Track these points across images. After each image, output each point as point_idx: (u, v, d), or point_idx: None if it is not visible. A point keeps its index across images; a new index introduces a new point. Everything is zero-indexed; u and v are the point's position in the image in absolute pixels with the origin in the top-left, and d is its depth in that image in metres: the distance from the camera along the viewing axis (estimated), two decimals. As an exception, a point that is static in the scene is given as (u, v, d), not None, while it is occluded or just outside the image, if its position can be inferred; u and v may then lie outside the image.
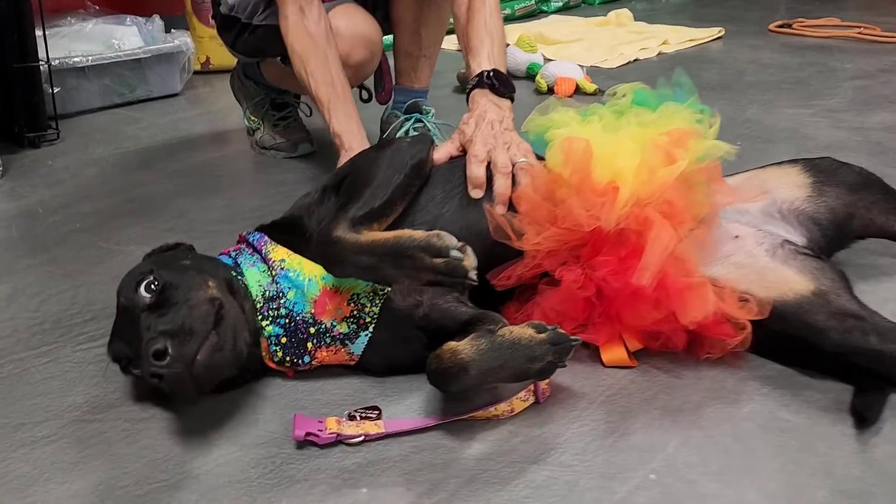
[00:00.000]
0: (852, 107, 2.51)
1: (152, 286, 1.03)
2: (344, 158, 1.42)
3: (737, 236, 1.25)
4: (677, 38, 3.54)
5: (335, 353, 1.11)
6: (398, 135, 1.90)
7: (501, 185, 1.17)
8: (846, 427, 1.01)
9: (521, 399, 1.04)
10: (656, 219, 1.08)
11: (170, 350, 0.92)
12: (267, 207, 1.81)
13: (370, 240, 1.03)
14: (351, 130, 1.48)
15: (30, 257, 1.59)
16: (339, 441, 1.01)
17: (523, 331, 0.98)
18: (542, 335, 0.97)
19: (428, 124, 1.92)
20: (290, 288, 1.10)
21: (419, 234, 1.01)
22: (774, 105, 2.54)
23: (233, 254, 1.17)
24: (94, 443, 1.03)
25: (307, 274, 1.10)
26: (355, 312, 1.09)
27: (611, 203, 1.08)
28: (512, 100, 1.41)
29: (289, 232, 1.16)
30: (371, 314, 1.09)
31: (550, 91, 2.67)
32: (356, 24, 1.72)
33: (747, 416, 1.04)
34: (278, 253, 1.13)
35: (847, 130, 2.26)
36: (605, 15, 3.97)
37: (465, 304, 1.13)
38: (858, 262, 1.39)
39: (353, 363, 1.13)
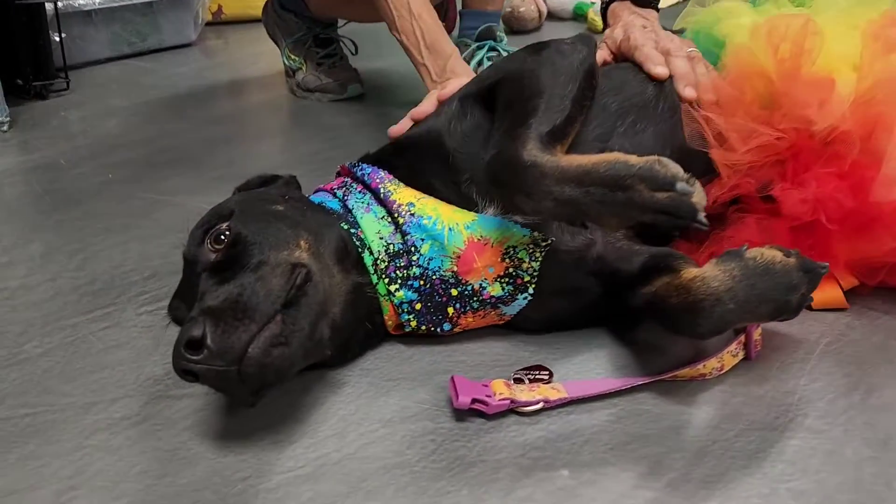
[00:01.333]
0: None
1: (222, 237, 0.79)
2: (443, 87, 1.14)
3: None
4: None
5: (483, 318, 0.89)
6: (471, 67, 1.65)
7: (681, 65, 0.95)
8: None
9: (731, 354, 0.82)
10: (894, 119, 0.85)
11: (209, 340, 0.67)
12: (325, 152, 1.57)
13: (575, 165, 0.77)
14: (447, 52, 1.23)
15: (60, 212, 1.34)
16: (512, 410, 0.78)
17: (773, 253, 0.75)
18: (792, 259, 0.75)
19: (502, 52, 1.67)
20: (423, 240, 0.85)
21: (635, 159, 0.75)
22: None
23: (339, 193, 0.92)
24: (190, 423, 0.80)
25: (446, 221, 0.85)
26: (511, 270, 0.85)
27: (827, 99, 0.86)
28: (657, 10, 1.17)
29: (416, 155, 0.91)
30: (531, 271, 0.85)
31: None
32: None
33: None
34: (404, 194, 0.87)
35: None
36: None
37: (638, 242, 0.90)
38: None
39: (502, 322, 0.90)
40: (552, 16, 2.71)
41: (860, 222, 0.86)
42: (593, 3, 2.59)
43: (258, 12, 3.03)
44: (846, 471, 0.69)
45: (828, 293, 0.91)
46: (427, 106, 1.05)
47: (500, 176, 0.81)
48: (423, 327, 0.88)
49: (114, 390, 0.86)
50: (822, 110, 0.85)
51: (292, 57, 1.88)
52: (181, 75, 2.25)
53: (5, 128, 1.75)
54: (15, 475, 0.74)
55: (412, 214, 0.85)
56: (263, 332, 0.70)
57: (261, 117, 1.87)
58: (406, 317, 0.87)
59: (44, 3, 1.96)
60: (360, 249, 0.86)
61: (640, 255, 0.87)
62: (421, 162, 0.90)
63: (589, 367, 0.85)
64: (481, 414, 0.78)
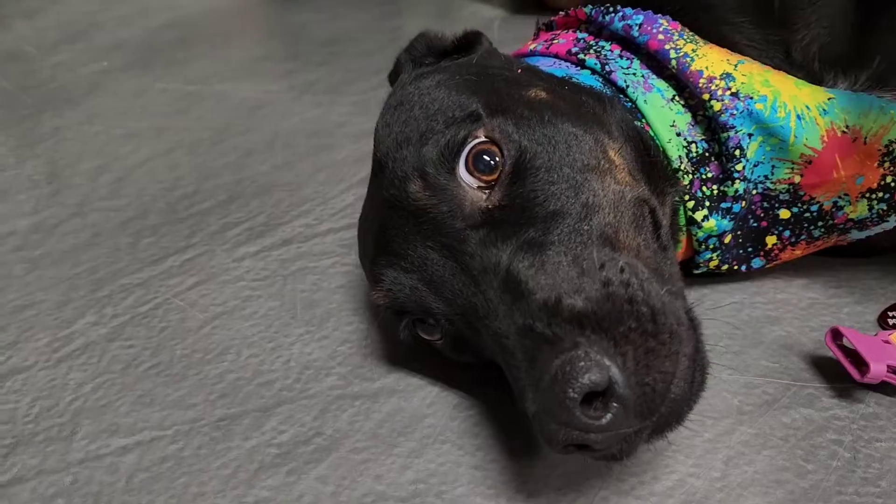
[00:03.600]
0: None
1: (486, 158, 0.44)
2: None
3: None
4: None
5: (816, 247, 0.57)
6: None
7: None
8: None
9: None
10: None
11: (619, 386, 0.35)
12: (386, 18, 1.19)
13: None
14: None
15: (51, 115, 0.95)
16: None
17: None
18: None
19: None
20: (752, 136, 0.52)
21: None
22: None
23: (588, 60, 0.56)
24: (421, 445, 0.48)
25: (790, 103, 0.52)
26: (891, 179, 0.53)
27: None
28: None
29: None
30: None
31: None
32: None
33: None
34: (712, 59, 0.53)
35: None
36: None
37: None
38: None
39: (844, 243, 0.59)
40: None
41: None
42: None
43: None
44: None
45: None
46: None
47: None
48: (725, 266, 0.57)
49: (258, 392, 0.53)
50: None
51: None
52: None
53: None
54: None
55: (734, 94, 0.52)
56: (684, 348, 0.38)
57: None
58: (707, 255, 0.55)
59: None
60: (662, 153, 0.52)
61: None
62: (717, 4, 0.55)
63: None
64: (871, 387, 0.49)
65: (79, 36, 1.19)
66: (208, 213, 0.73)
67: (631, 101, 0.54)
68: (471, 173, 0.45)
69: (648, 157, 0.51)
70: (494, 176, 0.44)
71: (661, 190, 0.51)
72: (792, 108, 0.52)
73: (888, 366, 0.48)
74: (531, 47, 0.61)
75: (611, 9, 0.57)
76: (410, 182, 0.46)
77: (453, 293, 0.45)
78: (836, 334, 0.50)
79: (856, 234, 0.57)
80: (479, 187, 0.45)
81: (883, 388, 0.49)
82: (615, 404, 0.36)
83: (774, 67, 0.54)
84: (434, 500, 0.45)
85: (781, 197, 0.54)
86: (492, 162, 0.44)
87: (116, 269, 0.66)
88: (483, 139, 0.45)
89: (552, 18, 0.63)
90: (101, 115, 0.94)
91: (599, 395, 0.36)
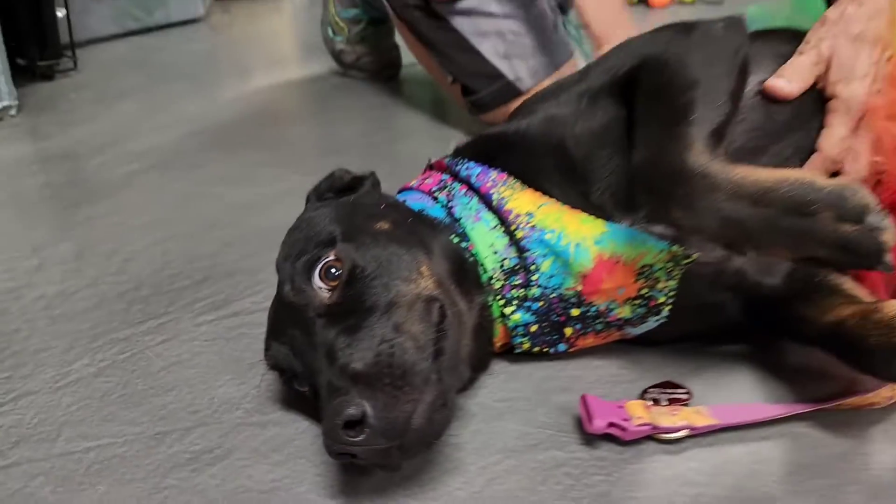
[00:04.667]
0: None
1: (333, 271, 0.67)
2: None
3: None
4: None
5: (604, 338, 0.78)
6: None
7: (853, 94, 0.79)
8: None
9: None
10: None
11: (370, 418, 0.57)
12: (373, 134, 1.47)
13: (753, 179, 0.64)
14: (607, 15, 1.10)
15: (88, 206, 1.23)
16: (652, 436, 0.69)
17: None
18: None
19: (569, 27, 1.54)
20: (545, 256, 0.74)
21: (823, 180, 0.62)
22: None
23: (440, 196, 0.79)
24: (284, 458, 0.70)
25: (572, 235, 0.73)
26: (645, 291, 0.74)
27: None
28: None
29: (526, 155, 0.78)
30: (667, 291, 0.74)
31: (643, 1, 2.32)
32: None
33: None
34: (521, 202, 0.75)
35: None
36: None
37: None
38: None
39: (623, 337, 0.80)
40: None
41: None
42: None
43: (266, -14, 2.87)
44: None
45: None
46: None
47: (657, 183, 0.68)
48: (537, 348, 0.78)
49: (186, 417, 0.75)
50: None
51: (338, 23, 1.71)
52: (193, 53, 2.12)
53: (13, 112, 1.62)
54: (88, 525, 0.64)
55: (532, 227, 0.74)
56: (424, 396, 0.59)
57: (289, 96, 1.74)
58: (519, 339, 0.77)
59: (48, -24, 1.82)
60: (475, 266, 0.75)
61: (784, 267, 0.76)
62: (537, 165, 0.77)
63: (727, 388, 0.76)
64: (613, 439, 0.69)
65: (119, 141, 1.48)
66: (185, 289, 0.97)
67: (464, 228, 0.77)
68: (322, 280, 0.67)
69: (462, 269, 0.74)
70: (336, 282, 0.67)
71: (469, 291, 0.73)
72: (573, 238, 0.74)
73: (609, 422, 0.68)
74: (412, 183, 0.85)
75: (462, 161, 0.81)
76: (285, 285, 0.69)
77: (306, 360, 0.67)
78: (583, 399, 0.70)
79: (631, 330, 0.77)
80: (327, 290, 0.67)
81: (624, 441, 0.69)
82: (367, 429, 0.57)
83: (576, 207, 0.76)
84: (283, 494, 0.66)
85: (571, 300, 0.75)
86: (335, 272, 0.67)
87: (110, 327, 0.91)
88: (332, 258, 0.68)
89: (433, 161, 0.87)
90: (123, 209, 1.21)
91: (359, 424, 0.57)
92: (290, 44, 2.31)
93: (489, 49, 1.25)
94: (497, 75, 1.25)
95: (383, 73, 1.74)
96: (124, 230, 1.14)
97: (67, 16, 1.90)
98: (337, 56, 1.75)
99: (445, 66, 1.31)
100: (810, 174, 0.63)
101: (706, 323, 0.78)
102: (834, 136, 0.79)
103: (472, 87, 1.28)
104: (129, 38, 2.24)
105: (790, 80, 0.81)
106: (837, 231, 0.61)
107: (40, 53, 1.85)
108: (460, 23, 1.26)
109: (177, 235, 1.11)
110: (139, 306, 0.94)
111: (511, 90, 1.24)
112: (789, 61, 0.82)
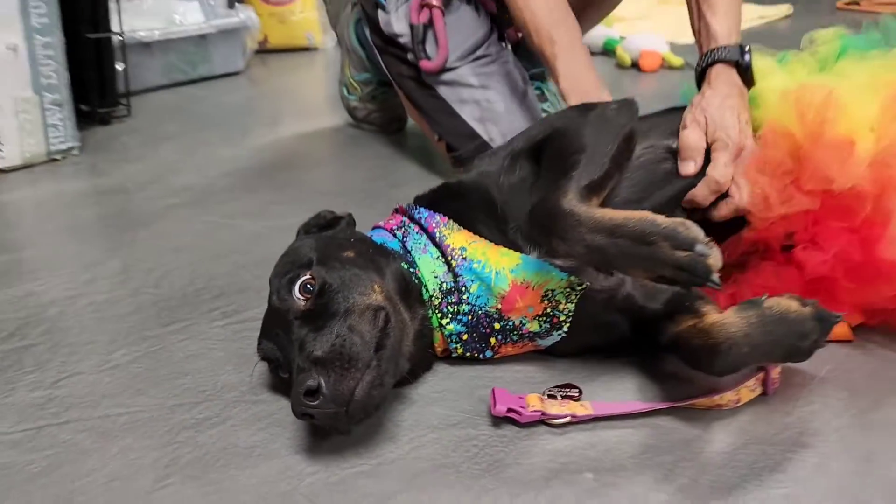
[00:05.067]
0: None
1: (308, 286, 0.91)
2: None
3: None
4: (748, 14, 3.42)
5: (521, 347, 1.01)
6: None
7: (717, 167, 1.03)
8: None
9: (749, 388, 0.92)
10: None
11: (324, 389, 0.79)
12: (375, 179, 1.71)
13: (608, 217, 0.88)
14: (581, 75, 1.28)
15: (132, 232, 1.49)
16: (543, 421, 0.90)
17: (789, 303, 0.86)
18: (807, 309, 0.86)
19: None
20: (473, 281, 0.97)
21: (662, 219, 0.85)
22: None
23: (398, 234, 1.03)
24: (264, 425, 0.92)
25: (493, 265, 0.96)
26: (549, 310, 0.97)
27: (847, 160, 0.96)
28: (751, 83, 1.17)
29: (467, 201, 1.03)
30: (566, 311, 0.96)
31: (635, 65, 2.56)
32: None
33: None
34: (457, 239, 0.99)
35: None
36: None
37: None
38: None
39: (537, 349, 1.02)
40: (581, 50, 2.83)
41: (866, 273, 0.96)
42: (622, 39, 2.71)
43: (301, 42, 3.19)
44: (831, 480, 0.80)
45: (837, 328, 1.01)
46: None
47: (542, 221, 0.92)
48: (469, 354, 1.00)
49: (195, 395, 0.99)
50: (843, 170, 0.95)
51: (353, 84, 1.98)
52: (229, 105, 2.40)
53: (76, 152, 1.90)
54: (117, 464, 0.87)
55: (464, 258, 0.97)
56: (365, 377, 0.82)
57: (309, 144, 2.01)
58: (454, 345, 0.99)
59: (111, 36, 2.12)
60: (419, 286, 0.98)
61: (665, 293, 0.98)
62: (471, 208, 1.02)
63: (615, 389, 0.97)
64: (515, 423, 0.90)
65: (162, 178, 1.75)
66: (204, 301, 1.21)
67: (413, 258, 1.00)
68: (300, 292, 0.90)
69: (408, 289, 0.96)
70: (310, 295, 0.90)
71: (413, 306, 0.96)
72: (494, 268, 0.96)
73: (509, 408, 0.89)
74: (380, 223, 1.09)
75: (416, 207, 1.05)
76: (274, 295, 0.93)
77: (286, 352, 0.90)
78: (493, 391, 0.92)
79: (541, 342, 0.99)
80: (303, 300, 0.90)
81: (521, 424, 0.90)
82: (321, 396, 0.79)
83: (498, 243, 0.99)
84: (260, 450, 0.88)
85: (493, 316, 0.97)
86: (310, 287, 0.91)
87: (144, 327, 1.15)
88: (309, 276, 0.91)
89: (398, 206, 1.10)
90: (162, 235, 1.46)
91: (315, 393, 0.80)
92: (317, 96, 2.58)
93: (468, 114, 1.50)
94: (474, 136, 1.49)
95: (390, 126, 1.99)
96: (161, 252, 1.39)
97: (125, 69, 2.20)
98: (351, 111, 2.02)
99: (433, 127, 1.56)
100: (651, 215, 0.86)
101: (602, 338, 1.00)
102: (719, 164, 1.02)
103: (454, 145, 1.53)
104: (177, 89, 2.54)
105: (692, 157, 1.04)
106: (673, 256, 0.83)
107: (100, 101, 2.14)
108: (445, 91, 1.51)
109: (202, 258, 1.36)
110: (168, 312, 1.19)
111: (485, 149, 1.48)
112: (681, 142, 1.05)
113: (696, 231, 0.84)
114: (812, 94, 0.99)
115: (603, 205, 0.96)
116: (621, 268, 0.88)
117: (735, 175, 1.01)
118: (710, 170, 1.02)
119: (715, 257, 0.83)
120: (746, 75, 1.13)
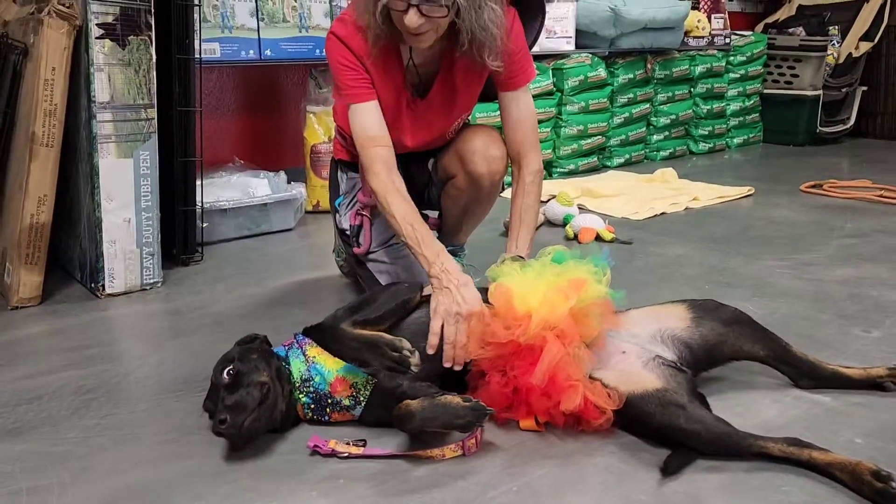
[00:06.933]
0: (824, 262, 3.00)
1: (229, 371, 1.71)
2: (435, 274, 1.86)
3: (624, 352, 1.83)
4: (709, 195, 4.13)
5: (343, 415, 1.79)
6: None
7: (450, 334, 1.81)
8: (655, 473, 1.56)
9: (451, 449, 1.65)
10: (550, 338, 1.70)
11: (228, 419, 1.54)
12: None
13: (359, 333, 1.72)
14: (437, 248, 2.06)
15: (173, 339, 2.39)
16: (334, 454, 1.66)
17: (454, 398, 1.62)
18: (467, 403, 1.61)
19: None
20: (316, 374, 1.76)
21: (388, 337, 1.70)
22: (756, 257, 3.07)
23: (286, 349, 1.84)
24: (213, 451, 1.74)
25: (328, 367, 1.77)
26: (354, 394, 1.75)
27: (525, 326, 1.72)
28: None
29: (322, 332, 1.85)
30: (364, 395, 1.75)
31: (576, 238, 3.33)
32: None
33: (596, 462, 1.62)
34: (313, 351, 1.80)
35: (804, 281, 2.77)
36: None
37: (432, 387, 1.77)
38: (735, 377, 1.95)
39: (354, 419, 1.79)
40: (549, 222, 3.65)
41: (532, 391, 1.69)
42: (573, 216, 3.51)
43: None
44: (486, 495, 1.51)
45: (528, 422, 1.73)
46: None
47: (326, 334, 1.77)
48: (315, 417, 1.79)
49: (177, 430, 1.82)
50: (523, 332, 1.71)
51: (339, 251, 2.89)
52: (275, 255, 3.35)
53: (159, 286, 2.88)
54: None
55: (313, 361, 1.78)
56: (250, 417, 1.63)
57: (306, 289, 2.89)
58: (306, 411, 1.79)
59: (195, 209, 3.15)
60: (289, 375, 1.79)
61: (425, 393, 1.74)
62: (322, 336, 1.83)
63: (387, 443, 1.72)
64: (320, 454, 1.67)
65: (205, 306, 2.67)
66: (199, 381, 2.07)
67: (289, 360, 1.82)
68: (226, 374, 1.73)
69: (282, 376, 1.78)
70: (230, 376, 1.73)
71: (284, 386, 1.77)
72: (328, 368, 1.78)
73: (314, 444, 1.66)
74: (284, 342, 1.92)
75: (299, 335, 1.89)
76: (213, 376, 1.78)
77: (217, 408, 1.73)
78: (312, 437, 1.69)
79: (353, 412, 1.77)
80: (227, 379, 1.72)
81: (323, 454, 1.66)
82: (226, 424, 1.61)
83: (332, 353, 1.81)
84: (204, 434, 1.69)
85: (327, 395, 1.77)
86: (230, 371, 1.73)
87: (174, 386, 2.01)
88: (231, 366, 1.73)
89: (294, 333, 1.94)
90: (189, 344, 2.35)
91: (224, 422, 1.61)
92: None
93: (384, 280, 2.34)
94: None
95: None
96: (185, 353, 2.27)
97: (202, 228, 3.22)
98: (339, 268, 2.92)
99: (367, 287, 2.41)
100: (383, 334, 1.74)
101: (388, 414, 1.75)
102: (439, 311, 1.78)
103: None
104: (241, 241, 3.53)
105: (453, 345, 1.82)
106: (391, 355, 1.65)
107: (183, 249, 3.15)
108: (371, 266, 2.38)
109: (207, 359, 2.20)
110: (174, 385, 2.04)
111: None
112: (432, 336, 1.81)
113: (404, 343, 1.66)
114: (498, 290, 1.77)
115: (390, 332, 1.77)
116: (366, 362, 1.70)
117: (459, 336, 1.78)
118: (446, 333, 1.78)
119: (415, 358, 1.65)
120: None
